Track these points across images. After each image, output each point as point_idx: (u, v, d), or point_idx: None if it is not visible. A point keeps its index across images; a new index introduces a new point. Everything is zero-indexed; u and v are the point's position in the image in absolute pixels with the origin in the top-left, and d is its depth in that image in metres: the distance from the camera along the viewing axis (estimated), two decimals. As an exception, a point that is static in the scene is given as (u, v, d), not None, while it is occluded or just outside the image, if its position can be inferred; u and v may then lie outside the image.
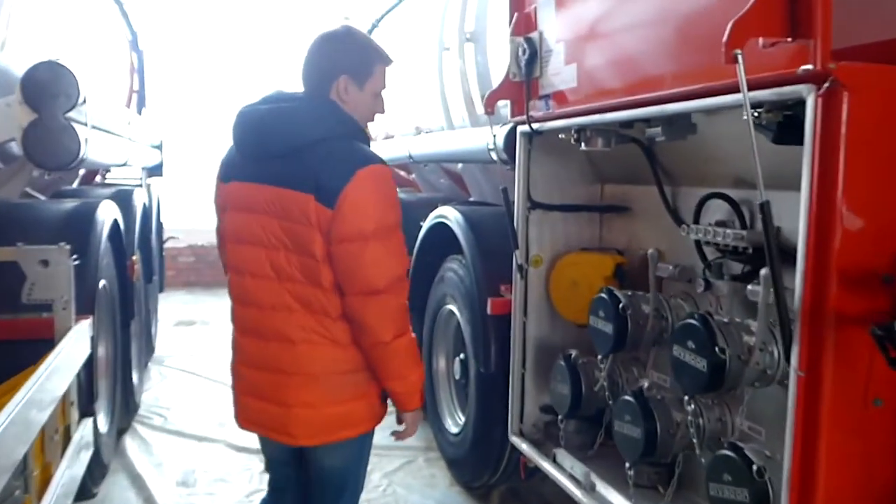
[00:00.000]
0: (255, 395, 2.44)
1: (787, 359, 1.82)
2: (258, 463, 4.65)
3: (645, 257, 3.20)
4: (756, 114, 1.92)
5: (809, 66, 1.68)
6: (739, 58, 1.69)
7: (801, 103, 1.83)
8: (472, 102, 4.61)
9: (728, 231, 2.45)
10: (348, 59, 2.35)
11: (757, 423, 2.52)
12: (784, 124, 1.96)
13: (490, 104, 3.22)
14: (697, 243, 2.72)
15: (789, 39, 1.74)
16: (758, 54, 1.81)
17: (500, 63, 4.32)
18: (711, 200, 2.67)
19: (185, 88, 11.75)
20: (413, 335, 2.40)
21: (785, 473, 1.85)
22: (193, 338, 8.05)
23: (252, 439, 5.12)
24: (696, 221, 2.73)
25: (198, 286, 11.34)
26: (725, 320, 2.30)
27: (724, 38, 1.70)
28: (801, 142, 1.98)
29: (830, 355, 1.76)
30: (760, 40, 1.77)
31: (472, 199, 5.27)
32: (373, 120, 2.47)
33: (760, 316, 2.20)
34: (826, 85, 1.69)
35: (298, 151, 2.26)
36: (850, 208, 1.73)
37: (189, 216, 11.56)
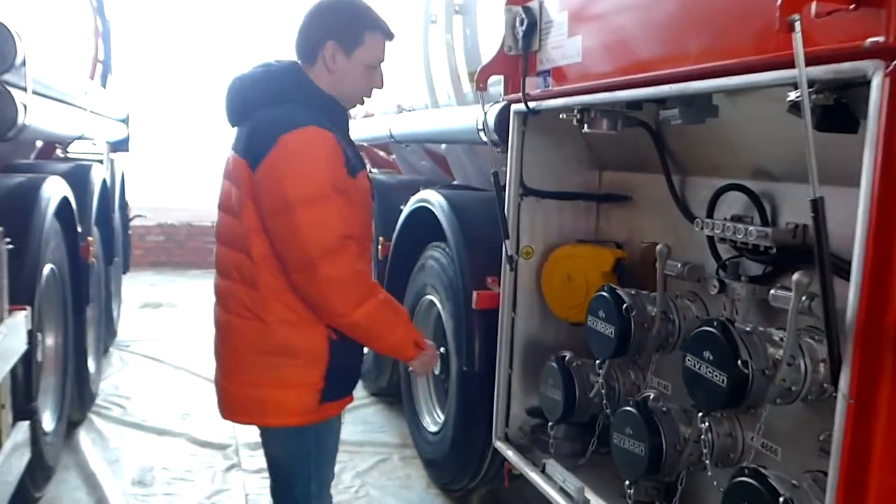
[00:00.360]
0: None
1: (834, 382, 1.55)
2: (222, 459, 4.37)
3: (646, 252, 2.95)
4: (795, 95, 1.65)
5: (879, 39, 1.40)
6: (797, 25, 1.41)
7: (854, 84, 1.56)
8: (459, 79, 4.30)
9: (751, 228, 2.18)
10: (335, 24, 2.23)
11: (772, 441, 2.27)
12: (831, 108, 1.68)
13: (482, 79, 2.92)
14: (710, 239, 2.46)
15: (852, 7, 1.46)
16: (808, 24, 1.52)
17: (490, 37, 4.01)
18: (728, 193, 2.41)
19: (157, 60, 11.26)
20: (382, 296, 2.24)
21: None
22: (159, 321, 7.69)
23: (217, 433, 4.93)
24: (710, 215, 2.47)
25: (166, 266, 10.95)
26: (747, 329, 2.03)
27: (778, 1, 1.42)
28: (850, 129, 1.74)
29: (888, 381, 1.50)
30: (814, 6, 1.48)
31: (455, 182, 4.97)
32: (368, 95, 2.35)
33: (790, 326, 1.94)
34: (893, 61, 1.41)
35: (248, 117, 2.23)
36: (919, 207, 1.46)
37: (159, 193, 11.17)
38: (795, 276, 1.92)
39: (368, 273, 2.32)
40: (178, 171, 11.23)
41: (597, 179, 3.23)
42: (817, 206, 1.50)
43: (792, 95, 1.64)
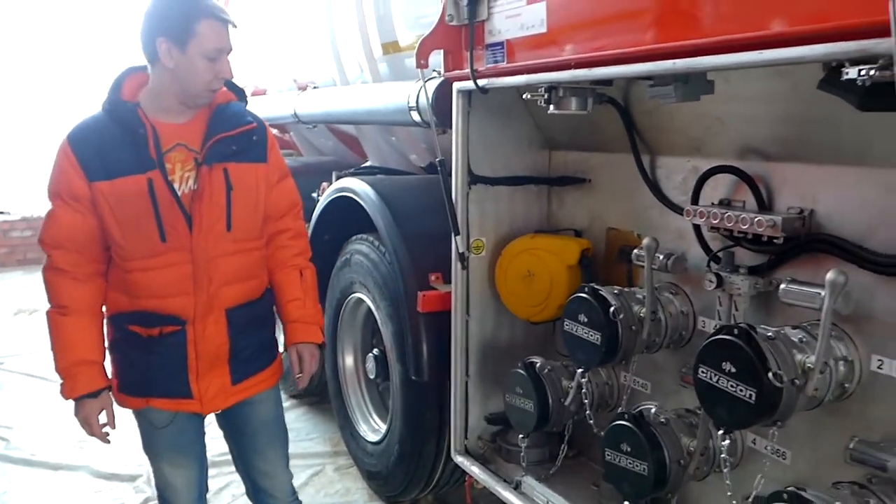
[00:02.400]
0: None
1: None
2: (132, 493, 3.88)
3: (611, 239, 2.71)
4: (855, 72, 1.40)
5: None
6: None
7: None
8: (373, 53, 3.90)
9: (757, 217, 1.94)
10: (163, 21, 2.15)
11: (783, 446, 2.09)
12: (880, 85, 1.44)
13: (423, 55, 2.56)
14: (696, 227, 2.23)
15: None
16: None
17: (404, 4, 3.64)
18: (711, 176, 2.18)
19: (16, 55, 10.23)
20: (65, 316, 2.26)
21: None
22: (38, 330, 6.90)
23: (123, 463, 4.38)
24: (695, 201, 2.23)
25: (37, 264, 9.95)
26: (769, 334, 1.80)
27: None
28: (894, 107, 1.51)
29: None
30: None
31: (368, 163, 4.58)
32: (216, 86, 2.22)
33: (823, 330, 1.72)
34: None
35: None
36: None
37: (21, 184, 10.17)
38: (830, 275, 1.70)
39: (69, 285, 2.26)
40: (41, 160, 10.24)
41: (547, 161, 2.95)
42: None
43: (852, 73, 1.38)
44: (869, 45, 1.34)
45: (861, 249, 1.83)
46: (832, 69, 1.51)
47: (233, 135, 2.27)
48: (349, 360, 4.01)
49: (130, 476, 4.01)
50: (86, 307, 2.29)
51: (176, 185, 2.21)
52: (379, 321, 3.45)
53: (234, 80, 2.37)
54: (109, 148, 2.18)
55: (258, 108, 5.02)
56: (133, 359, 2.33)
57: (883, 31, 1.25)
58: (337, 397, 4.05)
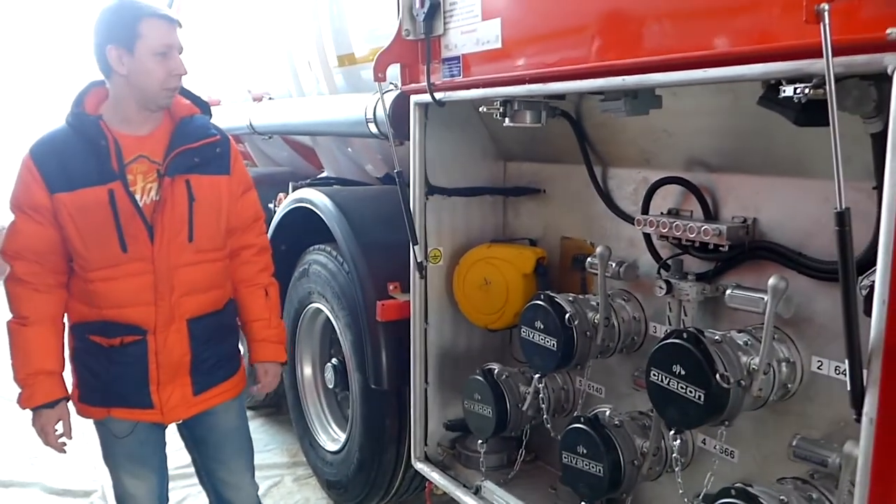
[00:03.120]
0: None
1: (856, 405, 1.42)
2: (87, 508, 3.83)
3: (565, 248, 2.79)
4: (792, 90, 1.49)
5: (906, 29, 1.25)
6: (826, 16, 1.23)
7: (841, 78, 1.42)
8: (329, 65, 3.93)
9: (704, 226, 2.04)
10: (106, 29, 2.19)
11: (731, 445, 2.18)
12: (814, 102, 1.53)
13: (381, 68, 2.60)
14: (647, 236, 2.31)
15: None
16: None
17: (359, 17, 3.68)
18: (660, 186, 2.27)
19: None
20: (26, 328, 2.27)
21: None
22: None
23: (77, 478, 4.30)
24: (646, 211, 2.32)
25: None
26: (716, 337, 1.89)
27: (805, -11, 1.23)
28: (825, 122, 1.60)
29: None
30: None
31: (324, 174, 4.60)
32: (174, 83, 2.24)
33: (766, 333, 1.81)
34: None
35: None
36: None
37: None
38: (772, 281, 1.79)
39: (30, 296, 2.27)
40: (4, 172, 10.00)
41: (502, 172, 3.02)
42: (844, 218, 1.33)
43: (788, 90, 1.47)
44: (803, 65, 1.43)
45: (800, 256, 1.93)
46: (771, 86, 1.61)
47: (195, 147, 2.28)
48: (308, 370, 4.02)
49: (84, 492, 3.96)
50: (46, 317, 2.29)
51: (137, 196, 2.22)
52: (338, 331, 3.48)
53: (191, 91, 2.40)
54: (71, 160, 2.20)
55: (217, 119, 5.05)
56: (94, 368, 2.33)
57: (816, 53, 1.34)
58: (296, 408, 4.05)
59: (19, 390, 2.29)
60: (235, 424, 2.57)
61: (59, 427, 2.34)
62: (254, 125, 4.52)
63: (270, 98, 4.61)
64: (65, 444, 2.37)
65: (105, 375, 2.32)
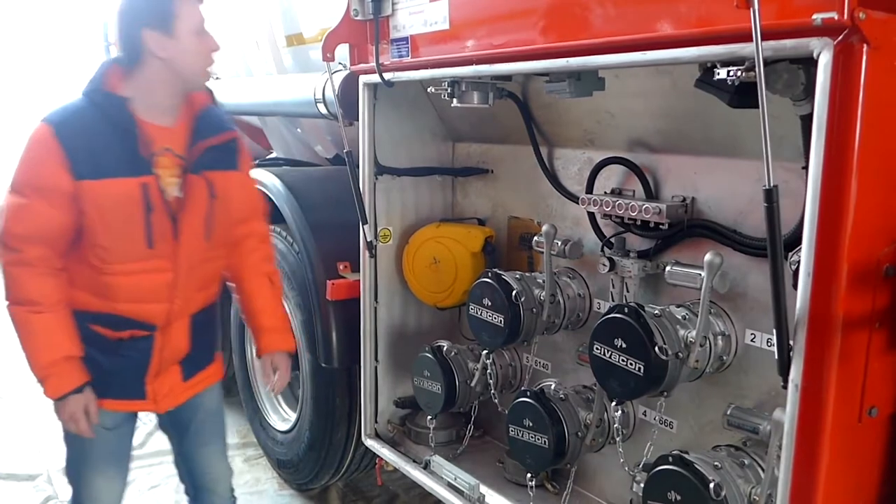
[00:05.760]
0: None
1: (783, 372, 1.50)
2: (33, 492, 3.78)
3: (512, 227, 2.84)
4: (726, 73, 1.56)
5: (831, 15, 1.32)
6: (755, 2, 1.29)
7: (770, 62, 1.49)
8: (277, 45, 3.91)
9: (645, 205, 2.11)
10: (142, 11, 2.07)
11: (670, 416, 2.27)
12: (747, 84, 1.60)
13: (329, 48, 2.61)
14: (591, 215, 2.38)
15: (793, -23, 1.36)
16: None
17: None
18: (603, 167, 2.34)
19: None
20: (37, 311, 2.11)
21: (781, 495, 1.56)
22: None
23: (22, 462, 4.23)
24: (590, 190, 2.38)
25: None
26: (656, 312, 1.96)
27: (735, -27, 1.29)
28: (756, 104, 1.68)
29: (833, 363, 1.47)
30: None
31: (273, 154, 4.58)
32: (211, 61, 2.15)
33: (703, 307, 1.89)
34: (842, 39, 1.34)
35: None
36: (863, 189, 1.41)
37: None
38: (708, 257, 1.86)
39: (40, 281, 2.11)
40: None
41: (450, 152, 3.05)
42: (772, 195, 1.40)
43: (722, 73, 1.53)
44: (736, 48, 1.50)
45: (735, 234, 2.02)
46: (706, 69, 1.67)
47: (218, 143, 2.21)
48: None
49: (29, 475, 3.90)
50: (59, 302, 2.14)
51: (165, 191, 2.13)
52: (288, 311, 3.48)
53: None
54: (98, 142, 2.04)
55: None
56: (93, 359, 2.20)
57: (748, 37, 1.40)
58: (245, 388, 4.05)
59: (41, 381, 2.14)
60: (216, 405, 2.51)
61: (91, 411, 2.18)
62: (201, 105, 4.46)
63: (217, 78, 4.55)
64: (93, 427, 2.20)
65: (105, 366, 2.21)
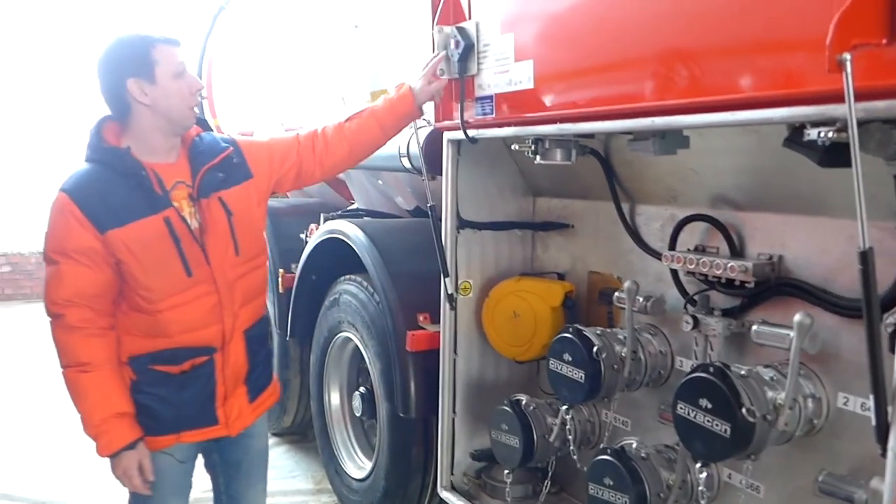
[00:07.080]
0: None
1: (881, 440, 1.46)
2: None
3: (592, 282, 2.84)
4: (817, 133, 1.55)
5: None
6: (847, 65, 1.30)
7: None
8: (362, 100, 4.04)
9: (730, 263, 2.09)
10: (122, 63, 2.21)
11: (757, 480, 2.20)
12: (837, 144, 1.59)
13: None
14: (674, 272, 2.37)
15: (884, 42, 1.36)
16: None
17: (393, 54, 3.79)
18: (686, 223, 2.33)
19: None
20: (86, 372, 2.22)
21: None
22: None
23: (19, 486, 4.33)
24: (673, 247, 2.37)
25: (13, 300, 9.93)
26: (742, 372, 1.93)
27: (828, 40, 1.30)
28: (848, 164, 1.66)
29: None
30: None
31: (355, 205, 4.70)
32: (194, 102, 2.29)
33: (792, 369, 1.85)
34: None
35: None
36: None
37: (2, 221, 10.17)
38: (798, 317, 1.83)
39: (87, 342, 2.23)
40: (25, 195, 10.25)
41: (531, 207, 3.09)
42: (867, 258, 1.38)
43: (812, 133, 1.53)
44: (827, 109, 1.49)
45: (825, 293, 1.98)
46: (795, 129, 1.66)
47: (216, 163, 2.33)
48: (335, 399, 4.09)
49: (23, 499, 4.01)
50: (107, 359, 2.25)
51: (188, 221, 2.27)
52: (367, 359, 3.54)
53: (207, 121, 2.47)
54: (112, 196, 2.19)
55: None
56: (163, 397, 2.31)
57: (838, 98, 1.40)
58: (322, 435, 4.11)
59: (94, 439, 2.24)
60: (264, 447, 2.63)
61: (144, 467, 2.28)
62: (288, 158, 4.63)
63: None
64: (149, 484, 2.30)
65: (176, 401, 2.31)
